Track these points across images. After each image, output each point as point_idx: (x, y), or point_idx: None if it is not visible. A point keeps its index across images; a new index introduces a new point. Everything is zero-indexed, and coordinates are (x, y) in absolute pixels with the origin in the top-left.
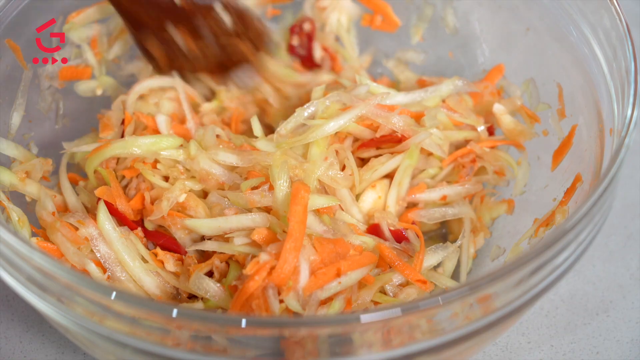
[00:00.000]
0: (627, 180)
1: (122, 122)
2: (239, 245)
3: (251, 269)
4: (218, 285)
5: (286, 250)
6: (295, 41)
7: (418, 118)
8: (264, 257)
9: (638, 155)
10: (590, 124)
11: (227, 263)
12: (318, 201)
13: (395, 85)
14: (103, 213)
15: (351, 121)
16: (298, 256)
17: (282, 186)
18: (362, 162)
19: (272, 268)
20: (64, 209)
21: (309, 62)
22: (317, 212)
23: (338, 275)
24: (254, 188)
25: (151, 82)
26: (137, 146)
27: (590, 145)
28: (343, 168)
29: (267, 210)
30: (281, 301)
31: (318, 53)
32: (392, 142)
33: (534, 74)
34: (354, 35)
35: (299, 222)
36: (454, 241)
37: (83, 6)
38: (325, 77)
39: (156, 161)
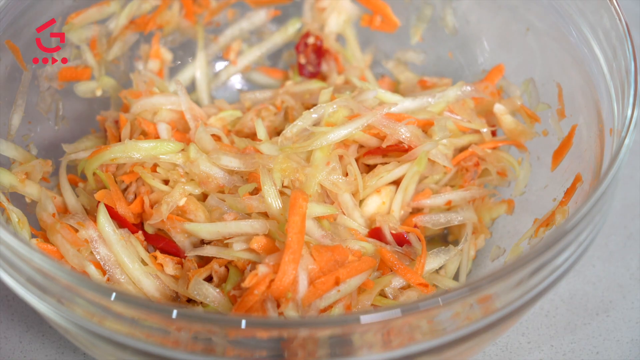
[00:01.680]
0: (627, 181)
1: (115, 122)
2: (237, 250)
3: (250, 282)
4: (217, 290)
5: (285, 263)
6: (302, 60)
7: (425, 126)
8: (262, 269)
9: (638, 155)
10: (590, 124)
11: (227, 267)
12: (316, 210)
13: (396, 85)
14: (103, 215)
15: (357, 130)
16: (297, 268)
17: (269, 191)
18: (368, 168)
19: (271, 281)
20: (63, 210)
21: (319, 78)
22: (317, 217)
23: (337, 283)
24: (253, 192)
25: (156, 99)
26: (137, 150)
27: (590, 145)
28: (347, 174)
29: (267, 214)
30: (280, 313)
31: (325, 66)
32: (398, 151)
33: (534, 74)
34: (355, 36)
35: (297, 233)
36: (454, 241)
37: (83, 7)
38: (335, 77)
39: (155, 165)
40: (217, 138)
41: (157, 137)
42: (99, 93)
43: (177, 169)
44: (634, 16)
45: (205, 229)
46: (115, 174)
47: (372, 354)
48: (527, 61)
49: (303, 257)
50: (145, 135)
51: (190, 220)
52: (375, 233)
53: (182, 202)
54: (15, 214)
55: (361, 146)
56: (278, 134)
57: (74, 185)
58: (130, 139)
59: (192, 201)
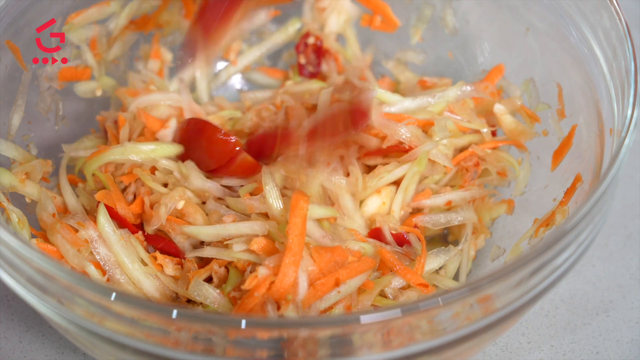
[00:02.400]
0: (627, 181)
1: (115, 122)
2: (237, 252)
3: (250, 284)
4: (217, 291)
5: (285, 265)
6: (302, 60)
7: (425, 126)
8: (262, 271)
9: (638, 155)
10: (590, 124)
11: (227, 268)
12: (317, 211)
13: (396, 85)
14: (103, 215)
15: None
16: (297, 270)
17: (271, 191)
18: (369, 168)
19: (272, 283)
20: (63, 211)
21: (319, 78)
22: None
23: (337, 284)
24: (253, 193)
25: (154, 96)
26: (136, 152)
27: (590, 145)
28: (348, 174)
29: (267, 214)
30: (281, 315)
31: (325, 66)
32: (399, 151)
33: (534, 74)
34: (355, 36)
35: (298, 236)
36: (454, 241)
37: (83, 7)
38: (335, 77)
39: (154, 167)
40: None
41: (153, 132)
42: (99, 93)
43: (174, 173)
44: (634, 16)
45: (205, 232)
46: (114, 173)
47: (372, 354)
48: (527, 61)
49: (303, 258)
50: (148, 130)
51: (189, 223)
52: (375, 233)
53: (180, 205)
54: (15, 214)
55: (361, 146)
56: None
57: (74, 185)
58: (131, 135)
59: (191, 204)
